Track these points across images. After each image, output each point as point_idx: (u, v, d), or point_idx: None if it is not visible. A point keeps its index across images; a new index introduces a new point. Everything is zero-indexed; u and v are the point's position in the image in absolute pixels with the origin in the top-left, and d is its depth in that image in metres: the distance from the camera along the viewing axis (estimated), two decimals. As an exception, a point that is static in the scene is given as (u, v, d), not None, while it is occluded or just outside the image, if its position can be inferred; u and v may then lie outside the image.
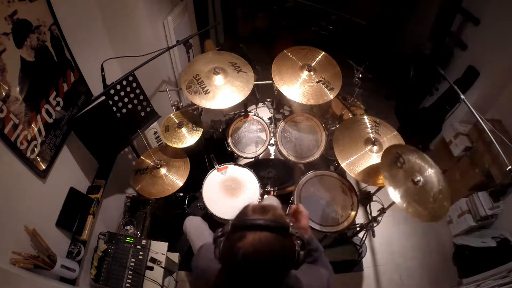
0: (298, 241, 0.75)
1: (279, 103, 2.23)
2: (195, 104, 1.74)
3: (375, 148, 1.71)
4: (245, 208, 0.79)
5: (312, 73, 1.80)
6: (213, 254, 0.78)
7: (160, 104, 2.18)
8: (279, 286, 0.78)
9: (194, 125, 1.87)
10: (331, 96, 1.76)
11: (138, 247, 1.78)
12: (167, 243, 1.83)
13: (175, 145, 1.80)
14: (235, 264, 0.71)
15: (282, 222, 0.74)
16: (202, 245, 1.01)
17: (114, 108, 1.79)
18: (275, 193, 2.29)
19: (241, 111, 2.13)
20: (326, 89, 1.77)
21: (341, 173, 2.03)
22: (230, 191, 1.89)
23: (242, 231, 0.71)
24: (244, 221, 0.73)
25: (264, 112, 2.28)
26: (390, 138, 1.77)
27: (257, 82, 2.04)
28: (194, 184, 1.97)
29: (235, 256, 0.69)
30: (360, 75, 2.12)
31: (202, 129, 1.86)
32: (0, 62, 1.18)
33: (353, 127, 1.80)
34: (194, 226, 1.70)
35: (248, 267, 0.70)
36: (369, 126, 1.81)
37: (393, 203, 1.52)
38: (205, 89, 1.71)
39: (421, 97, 3.04)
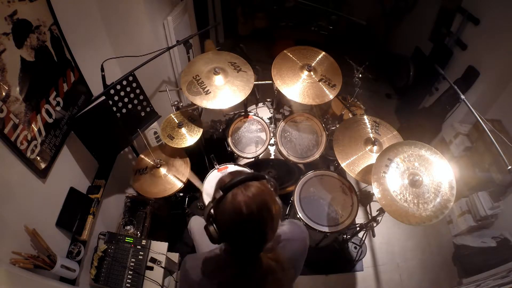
0: (272, 183, 0.84)
1: (279, 103, 2.23)
2: (195, 104, 1.74)
3: (375, 148, 1.71)
4: (220, 179, 0.85)
5: (312, 73, 1.80)
6: (200, 260, 0.87)
7: (160, 104, 2.18)
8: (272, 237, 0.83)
9: (194, 125, 1.87)
10: (331, 96, 1.76)
11: (138, 247, 1.78)
12: (167, 243, 1.82)
13: (175, 145, 1.80)
14: (242, 219, 0.75)
15: (255, 173, 0.84)
16: (185, 259, 1.01)
17: (114, 108, 1.79)
18: (275, 193, 2.29)
19: (241, 111, 2.13)
20: (327, 88, 1.77)
21: (341, 173, 2.03)
22: (230, 191, 1.88)
23: (232, 190, 0.77)
24: (230, 181, 0.78)
25: (264, 112, 2.27)
26: (390, 138, 1.77)
27: (257, 82, 2.04)
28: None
29: (240, 210, 0.74)
30: (360, 75, 2.12)
31: (202, 129, 1.86)
32: (0, 62, 1.18)
33: (353, 127, 1.80)
34: (199, 226, 1.70)
35: (254, 216, 0.75)
36: (369, 126, 1.81)
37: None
38: (205, 89, 1.71)
39: (421, 97, 3.04)
